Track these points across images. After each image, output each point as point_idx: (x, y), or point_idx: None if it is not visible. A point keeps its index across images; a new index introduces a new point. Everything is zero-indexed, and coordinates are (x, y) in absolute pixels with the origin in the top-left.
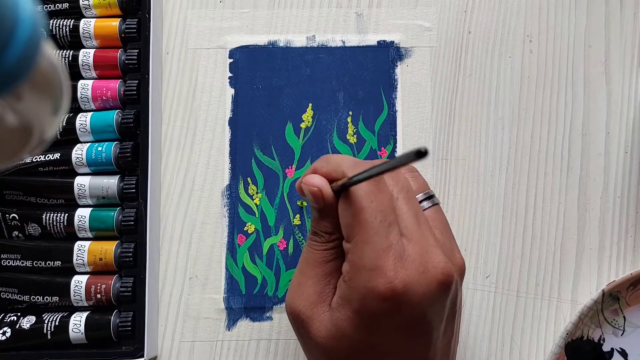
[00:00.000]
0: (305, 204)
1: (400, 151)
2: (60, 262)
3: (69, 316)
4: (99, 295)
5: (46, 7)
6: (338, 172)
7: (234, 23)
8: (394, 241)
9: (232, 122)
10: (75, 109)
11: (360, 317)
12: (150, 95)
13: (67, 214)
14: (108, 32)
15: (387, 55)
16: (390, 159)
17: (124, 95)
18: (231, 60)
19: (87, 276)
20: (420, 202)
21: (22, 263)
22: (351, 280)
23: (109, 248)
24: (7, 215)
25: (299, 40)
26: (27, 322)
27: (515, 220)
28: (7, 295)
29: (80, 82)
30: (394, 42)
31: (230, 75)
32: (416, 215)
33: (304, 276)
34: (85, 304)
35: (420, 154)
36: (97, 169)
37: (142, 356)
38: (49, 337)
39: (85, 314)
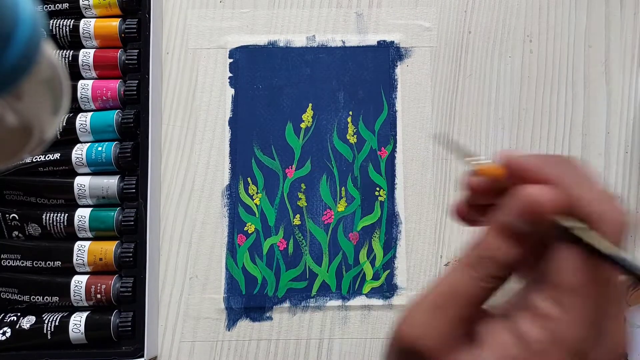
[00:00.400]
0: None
1: (400, 151)
2: (60, 262)
3: (69, 316)
4: (99, 295)
5: (46, 7)
6: (595, 213)
7: (234, 23)
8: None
9: (232, 122)
10: (75, 109)
11: None
12: (150, 95)
13: (67, 214)
14: (108, 32)
15: (387, 55)
16: None
17: (124, 95)
18: (231, 60)
19: (87, 276)
20: None
21: (22, 263)
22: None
23: (109, 248)
24: (7, 215)
25: (299, 40)
26: (27, 322)
27: None
28: (7, 295)
29: (80, 82)
30: (394, 42)
31: (230, 75)
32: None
33: (441, 314)
34: (85, 304)
35: None
36: (97, 169)
37: (142, 356)
38: (49, 337)
39: (85, 314)
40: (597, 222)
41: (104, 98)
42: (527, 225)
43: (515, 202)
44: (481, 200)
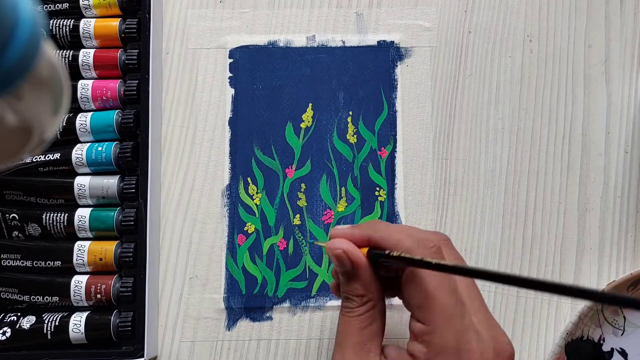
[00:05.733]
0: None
1: (400, 151)
2: (60, 262)
3: (69, 316)
4: (99, 295)
5: (46, 7)
6: (389, 243)
7: (234, 23)
8: (469, 323)
9: (232, 122)
10: (75, 109)
11: None
12: (150, 95)
13: (67, 214)
14: (108, 32)
15: (387, 55)
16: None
17: (124, 95)
18: (231, 60)
19: (87, 276)
20: None
21: (22, 263)
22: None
23: (109, 248)
24: (7, 215)
25: (299, 40)
26: (27, 322)
27: (515, 220)
28: (7, 295)
29: (80, 82)
30: (394, 42)
31: (230, 75)
32: (470, 289)
33: (343, 347)
34: (85, 304)
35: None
36: (97, 169)
37: (142, 356)
38: (49, 337)
39: (85, 314)
40: (396, 247)
41: (104, 98)
42: (339, 266)
43: (327, 253)
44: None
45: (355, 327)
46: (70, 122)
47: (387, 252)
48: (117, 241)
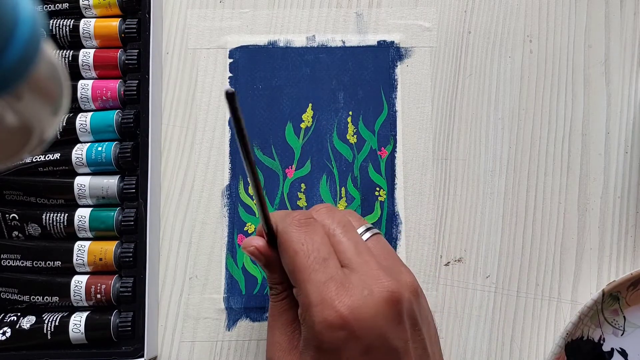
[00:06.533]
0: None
1: (400, 151)
2: (60, 262)
3: (69, 316)
4: (99, 295)
5: (46, 7)
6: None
7: (234, 23)
8: (332, 273)
9: (232, 122)
10: (75, 109)
11: (324, 353)
12: (150, 95)
13: (67, 214)
14: (108, 32)
15: (387, 55)
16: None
17: (124, 95)
18: (231, 60)
19: (87, 276)
20: (361, 234)
21: (22, 263)
22: (305, 320)
23: (109, 248)
24: (7, 215)
25: (299, 40)
26: (27, 322)
27: (515, 220)
28: (7, 295)
29: (80, 82)
30: (394, 42)
31: (230, 75)
32: (356, 246)
33: (273, 328)
34: (85, 304)
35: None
36: (97, 169)
37: (142, 356)
38: (49, 337)
39: (85, 314)
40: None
41: (104, 98)
42: (258, 261)
43: (246, 253)
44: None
45: (280, 310)
46: (70, 122)
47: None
48: (117, 241)
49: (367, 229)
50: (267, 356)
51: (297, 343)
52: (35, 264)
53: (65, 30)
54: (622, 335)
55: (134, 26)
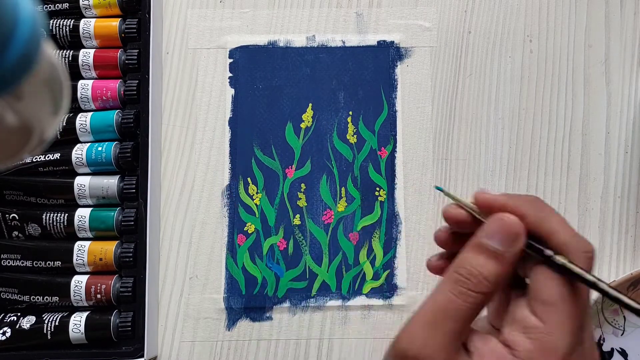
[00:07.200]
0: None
1: (400, 151)
2: (60, 262)
3: (69, 316)
4: (99, 295)
5: (46, 7)
6: (542, 228)
7: (234, 23)
8: (587, 335)
9: (232, 122)
10: (75, 109)
11: None
12: (150, 95)
13: (67, 214)
14: (108, 32)
15: (387, 55)
16: None
17: (124, 95)
18: (231, 60)
19: (87, 276)
20: None
21: (22, 263)
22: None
23: (109, 248)
24: (7, 215)
25: (299, 40)
26: (27, 322)
27: None
28: (7, 295)
29: (80, 82)
30: (394, 42)
31: (230, 75)
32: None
33: (437, 329)
34: (85, 304)
35: None
36: (97, 169)
37: (142, 356)
38: (49, 337)
39: (85, 314)
40: (564, 250)
41: (104, 98)
42: (502, 245)
43: (492, 225)
44: (458, 229)
45: (468, 313)
46: (70, 122)
47: (546, 252)
48: (117, 241)
49: None
50: (409, 349)
51: (458, 353)
52: (35, 264)
53: (65, 30)
54: (622, 335)
55: (134, 26)
